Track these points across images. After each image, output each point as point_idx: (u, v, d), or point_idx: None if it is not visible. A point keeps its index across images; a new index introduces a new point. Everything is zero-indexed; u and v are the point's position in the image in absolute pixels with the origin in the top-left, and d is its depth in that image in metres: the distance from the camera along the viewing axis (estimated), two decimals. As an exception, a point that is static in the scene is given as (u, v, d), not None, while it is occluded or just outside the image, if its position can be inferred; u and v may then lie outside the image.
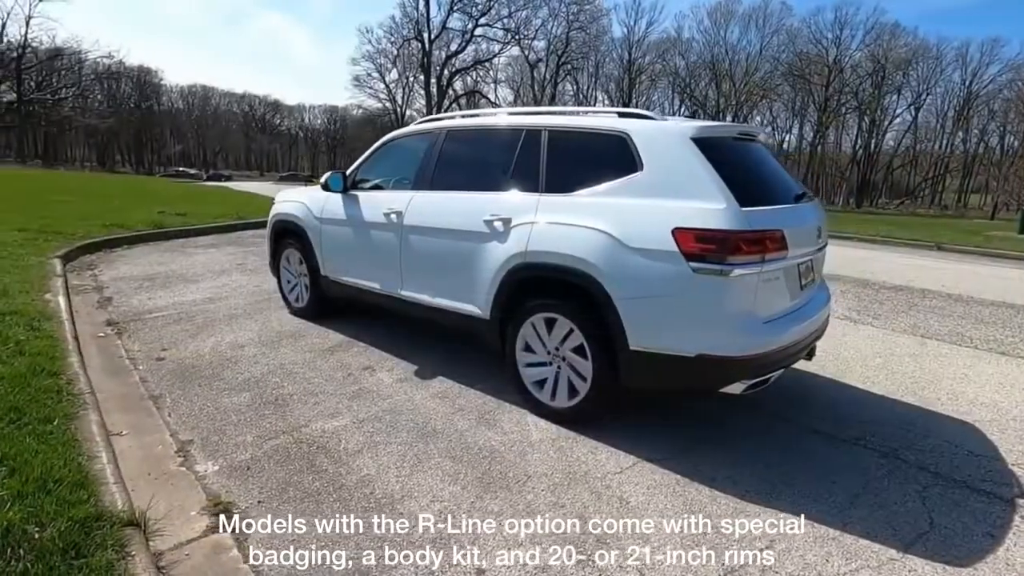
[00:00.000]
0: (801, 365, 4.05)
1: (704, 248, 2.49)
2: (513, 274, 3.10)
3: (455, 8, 40.34)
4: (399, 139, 4.13)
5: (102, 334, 4.42)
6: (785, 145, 50.70)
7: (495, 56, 43.74)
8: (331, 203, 4.33)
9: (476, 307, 3.35)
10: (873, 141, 46.43)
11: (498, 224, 3.17)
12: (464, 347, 4.11)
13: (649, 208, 2.67)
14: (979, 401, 3.64)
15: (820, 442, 3.01)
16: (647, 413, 3.25)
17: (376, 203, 3.96)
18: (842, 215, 26.85)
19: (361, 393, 3.45)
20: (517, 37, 42.58)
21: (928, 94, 45.67)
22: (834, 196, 50.43)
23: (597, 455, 2.80)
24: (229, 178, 48.07)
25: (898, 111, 46.56)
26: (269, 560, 2.04)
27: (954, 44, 45.68)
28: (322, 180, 4.20)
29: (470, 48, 42.51)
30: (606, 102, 48.32)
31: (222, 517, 2.26)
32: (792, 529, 2.27)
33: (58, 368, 3.24)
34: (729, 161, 2.80)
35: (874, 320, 5.52)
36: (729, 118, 42.94)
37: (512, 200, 3.17)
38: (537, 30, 43.09)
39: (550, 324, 3.04)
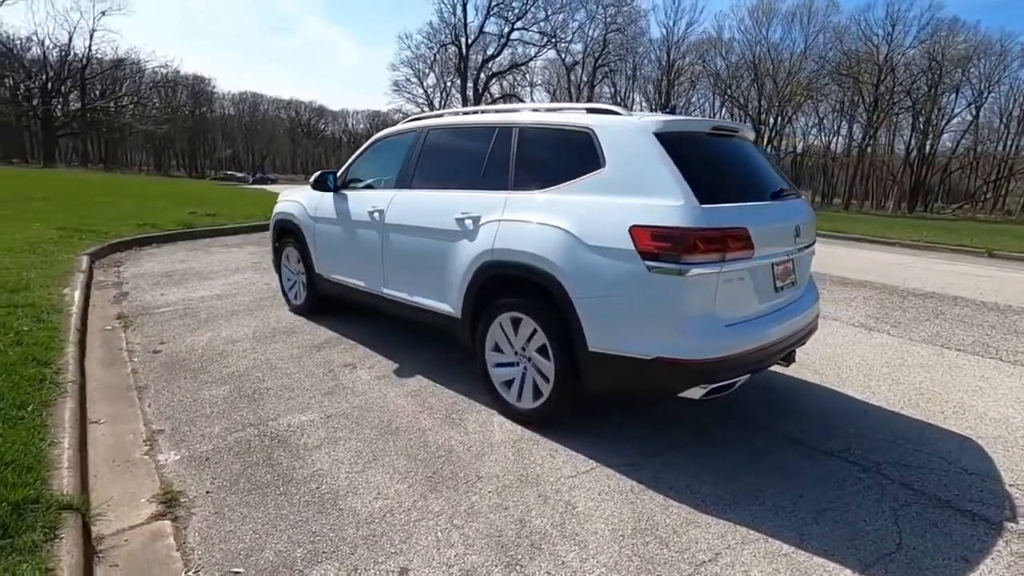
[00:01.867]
0: (797, 372, 3.92)
1: (660, 246, 2.39)
2: (481, 272, 3.07)
3: (492, 13, 40.62)
4: (387, 138, 4.16)
5: (109, 327, 4.62)
6: (832, 147, 48.84)
7: (531, 59, 43.84)
8: (324, 202, 4.40)
9: (449, 306, 3.33)
10: (928, 142, 44.13)
11: (468, 222, 3.15)
12: (450, 347, 4.09)
13: (608, 205, 2.59)
14: (989, 416, 3.38)
15: (798, 453, 2.85)
16: (621, 416, 3.15)
17: (362, 202, 4.00)
18: (890, 220, 25.62)
19: (336, 389, 3.48)
20: (553, 40, 42.52)
21: (991, 92, 43.12)
22: (884, 200, 48.20)
23: (555, 458, 2.73)
24: (275, 181, 49.73)
25: (956, 110, 44.14)
26: (201, 549, 2.07)
27: (1021, 39, 43.06)
28: (311, 179, 4.27)
29: (506, 52, 42.75)
30: (644, 104, 47.63)
31: (168, 506, 2.31)
32: (741, 543, 2.15)
33: (50, 358, 3.39)
34: (698, 157, 2.70)
35: (891, 328, 5.21)
36: (771, 119, 41.69)
37: (482, 198, 3.14)
38: (574, 33, 43.00)
39: (516, 324, 2.99)
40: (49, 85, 45.40)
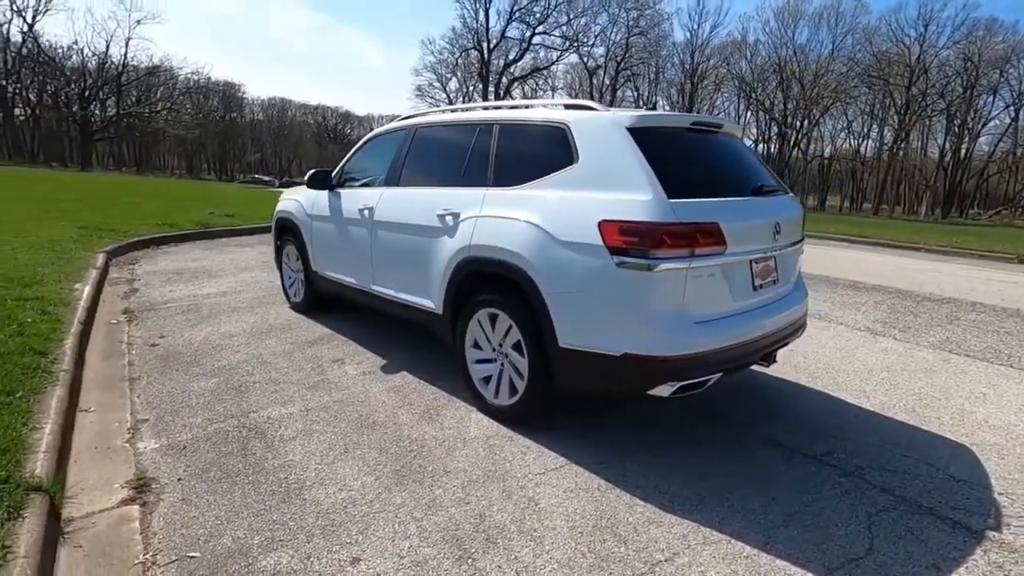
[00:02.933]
0: (790, 375, 3.83)
1: (627, 241, 2.37)
2: (460, 269, 3.08)
3: (514, 18, 40.78)
4: (379, 136, 4.21)
5: (115, 321, 4.75)
6: (862, 150, 47.66)
7: (553, 64, 43.85)
8: (319, 200, 4.46)
9: (431, 302, 3.35)
10: (964, 146, 42.73)
11: (449, 219, 3.16)
12: (440, 346, 4.08)
13: (579, 200, 2.58)
14: (989, 423, 3.25)
15: (778, 455, 2.78)
16: (601, 415, 3.12)
17: (354, 200, 4.05)
18: (920, 225, 24.87)
19: (321, 384, 3.52)
20: (576, 44, 42.47)
21: (1031, 94, 41.47)
22: (917, 205, 46.83)
23: (526, 455, 2.72)
24: (301, 184, 50.57)
25: (994, 113, 42.63)
26: (163, 533, 2.11)
27: (1062, 39, 41.23)
28: (306, 177, 4.33)
29: (528, 56, 42.81)
30: (667, 108, 47.23)
31: (139, 492, 2.36)
32: (703, 544, 2.11)
33: (48, 348, 3.50)
34: (673, 152, 2.67)
35: (899, 333, 5.05)
36: (798, 123, 40.89)
37: (463, 194, 3.15)
38: (596, 37, 42.90)
39: (493, 320, 2.98)
40: (87, 91, 47.09)
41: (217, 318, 4.87)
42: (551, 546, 2.08)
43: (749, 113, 45.71)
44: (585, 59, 44.32)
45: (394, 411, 3.16)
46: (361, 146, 4.34)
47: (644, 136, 2.56)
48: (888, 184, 45.07)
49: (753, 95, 42.79)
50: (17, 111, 48.41)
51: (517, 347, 2.86)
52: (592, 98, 44.42)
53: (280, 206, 5.13)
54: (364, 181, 4.17)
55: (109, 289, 5.85)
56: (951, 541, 2.18)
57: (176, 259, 7.64)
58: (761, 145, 46.41)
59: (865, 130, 46.45)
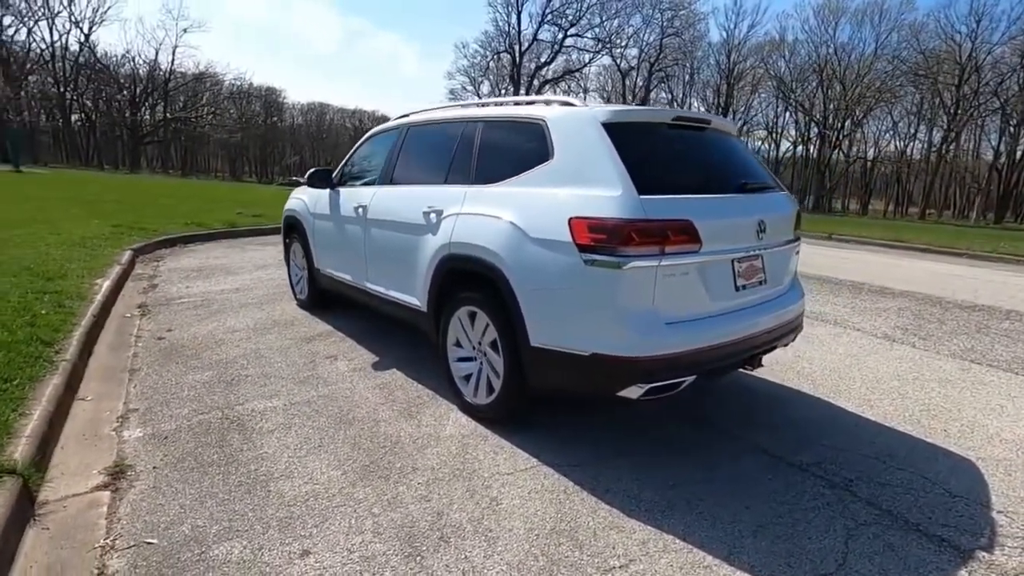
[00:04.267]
0: (791, 381, 3.68)
1: (596, 238, 2.31)
2: (442, 266, 3.07)
3: (546, 20, 40.75)
4: (376, 135, 4.25)
5: (129, 314, 4.93)
6: (908, 152, 45.73)
7: (585, 66, 43.59)
8: (321, 199, 4.53)
9: (417, 299, 3.35)
10: (1020, 147, 40.50)
11: (433, 216, 3.16)
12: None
13: (552, 197, 2.53)
14: (1001, 437, 3.05)
15: (762, 463, 2.67)
16: (582, 417, 3.06)
17: (350, 198, 4.09)
18: (968, 230, 23.67)
19: (310, 379, 3.56)
20: (608, 46, 42.11)
21: (1096, 91, 39.00)
22: (967, 209, 44.63)
23: (498, 455, 2.68)
24: (335, 186, 51.63)
25: (1054, 111, 40.19)
26: (127, 519, 2.16)
27: None
28: (306, 176, 4.40)
29: (560, 58, 42.70)
30: (702, 109, 46.36)
31: (114, 478, 2.42)
32: (662, 551, 2.03)
33: (55, 339, 3.65)
34: (652, 147, 2.60)
35: (919, 341, 4.80)
36: (839, 123, 39.51)
37: (447, 192, 3.14)
38: (629, 38, 42.45)
39: (472, 318, 2.96)
40: (137, 97, 49.24)
41: (225, 313, 5.00)
42: (504, 547, 2.04)
43: (788, 114, 44.50)
44: (618, 61, 43.97)
45: (375, 408, 3.17)
46: (360, 145, 4.39)
47: (620, 131, 2.49)
48: (936, 187, 43.12)
49: (792, 96, 41.57)
50: (74, 117, 51.06)
51: (494, 345, 2.83)
52: (625, 100, 43.99)
53: (288, 204, 5.24)
54: (361, 179, 4.21)
55: (131, 284, 6.08)
56: (934, 560, 2.04)
57: (199, 257, 7.88)
58: (800, 147, 45.12)
59: (912, 131, 44.59)
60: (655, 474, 2.55)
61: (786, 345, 3.15)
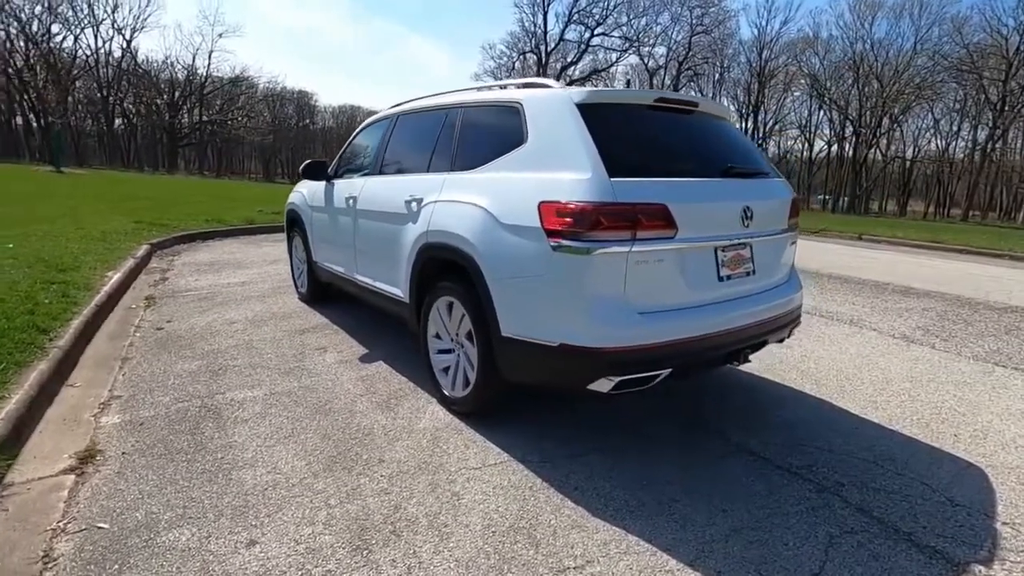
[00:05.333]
0: (793, 380, 3.50)
1: (563, 223, 2.20)
2: (421, 255, 3.00)
3: (573, 20, 40.49)
4: (369, 126, 4.21)
5: (134, 306, 5.01)
6: (951, 151, 43.88)
7: (612, 65, 43.13)
8: (317, 192, 4.52)
9: (400, 290, 3.29)
10: (1073, 145, 38.46)
11: (413, 205, 3.10)
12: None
13: (524, 181, 2.44)
14: (1016, 443, 2.82)
15: (747, 465, 2.52)
16: (563, 411, 2.95)
17: (343, 190, 4.06)
18: (1014, 232, 22.55)
19: (296, 370, 3.54)
20: (636, 45, 41.61)
21: None
22: (1015, 211, 42.59)
23: (468, 449, 2.59)
24: (363, 187, 52.36)
25: (1110, 108, 38.01)
26: (84, 503, 2.14)
27: None
28: (300, 168, 4.39)
29: (587, 58, 42.37)
30: (732, 108, 45.40)
31: (82, 462, 2.42)
32: (623, 553, 1.92)
33: (52, 327, 3.71)
34: (630, 130, 2.48)
35: (940, 342, 4.52)
36: (875, 122, 38.13)
37: (427, 180, 3.08)
38: (657, 37, 41.85)
39: (450, 308, 2.89)
40: (175, 101, 50.87)
41: (227, 306, 5.03)
42: (456, 544, 1.95)
43: (821, 112, 43.19)
44: (645, 60, 43.39)
45: (354, 399, 3.12)
46: (354, 136, 4.37)
47: (595, 113, 2.38)
48: (981, 188, 41.27)
49: (826, 94, 40.34)
50: (117, 121, 53.03)
51: (470, 336, 2.75)
52: (653, 99, 43.24)
53: (289, 198, 5.26)
54: (353, 170, 4.18)
55: (143, 277, 6.20)
56: (921, 572, 1.88)
57: (214, 252, 8.02)
58: (834, 146, 43.78)
59: (954, 129, 42.77)
60: (631, 472, 2.43)
61: (781, 341, 2.99)
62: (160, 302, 5.13)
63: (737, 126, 3.11)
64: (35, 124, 45.15)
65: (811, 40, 40.14)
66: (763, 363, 3.79)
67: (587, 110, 2.38)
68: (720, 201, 2.46)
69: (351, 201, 3.84)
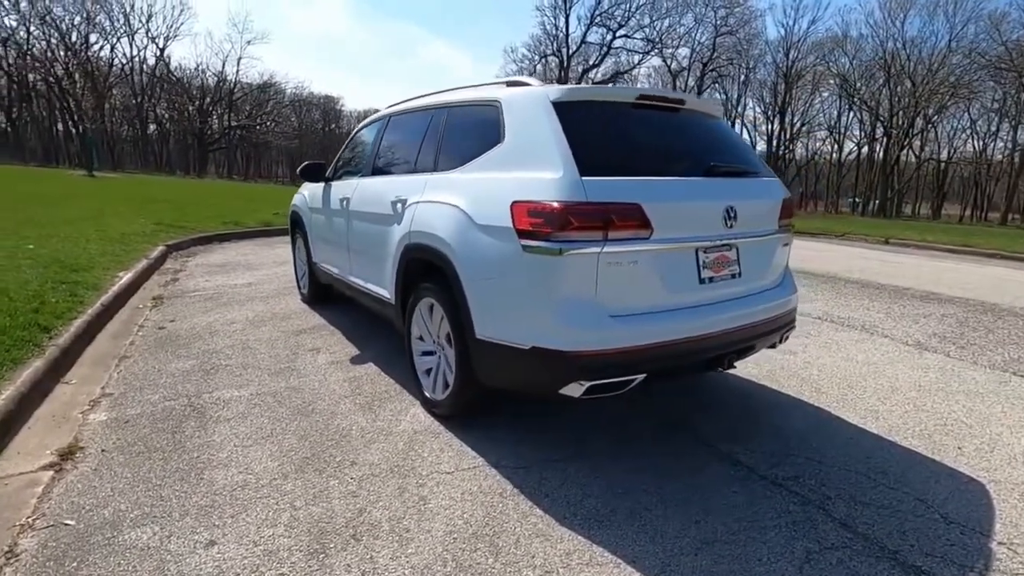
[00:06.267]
0: (793, 388, 3.38)
1: (533, 223, 2.15)
2: (404, 256, 2.98)
3: (595, 22, 40.30)
4: (365, 126, 4.22)
5: (141, 305, 5.11)
6: (989, 152, 42.30)
7: (634, 67, 42.77)
8: (316, 193, 4.55)
9: (387, 291, 3.28)
10: (1121, 145, 36.63)
11: (399, 206, 3.08)
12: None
13: (499, 181, 2.40)
14: (1026, 458, 2.66)
15: (729, 474, 2.42)
16: (547, 416, 2.89)
17: (338, 191, 4.08)
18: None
19: (286, 370, 3.55)
20: (659, 46, 41.22)
21: None
22: (1057, 214, 40.81)
23: (443, 453, 2.55)
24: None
25: None
26: (56, 499, 2.16)
27: None
28: (298, 170, 4.42)
29: (609, 60, 42.08)
30: (758, 110, 44.65)
31: (62, 459, 2.46)
32: (585, 564, 1.85)
33: (53, 325, 3.80)
34: (609, 128, 2.41)
35: (956, 349, 4.32)
36: (906, 122, 36.99)
37: (413, 181, 3.06)
38: (680, 38, 41.38)
39: (431, 309, 2.85)
40: (205, 107, 52.26)
41: (231, 306, 5.10)
42: (415, 550, 1.91)
43: (851, 113, 42.12)
44: (668, 61, 42.95)
45: (338, 400, 3.11)
46: (351, 137, 4.38)
47: (571, 111, 2.33)
48: (1021, 190, 39.67)
49: (855, 94, 39.32)
50: (151, 127, 54.72)
51: (449, 339, 2.71)
52: (676, 101, 42.73)
53: (293, 200, 5.30)
54: (349, 171, 4.19)
55: (156, 278, 6.33)
56: (903, 594, 1.77)
57: (228, 253, 8.16)
58: (864, 148, 42.64)
59: (992, 129, 41.20)
60: (607, 480, 2.35)
61: (773, 346, 2.88)
62: (167, 302, 5.22)
63: (731, 125, 3.01)
64: (73, 130, 46.81)
65: (840, 39, 39.21)
66: (762, 369, 3.67)
67: (563, 108, 2.33)
68: (700, 201, 2.38)
69: (345, 202, 3.85)
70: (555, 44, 41.28)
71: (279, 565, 1.83)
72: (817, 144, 46.52)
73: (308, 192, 4.81)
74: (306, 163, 4.38)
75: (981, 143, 42.10)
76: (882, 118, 38.93)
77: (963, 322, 5.21)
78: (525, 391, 2.50)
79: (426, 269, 2.87)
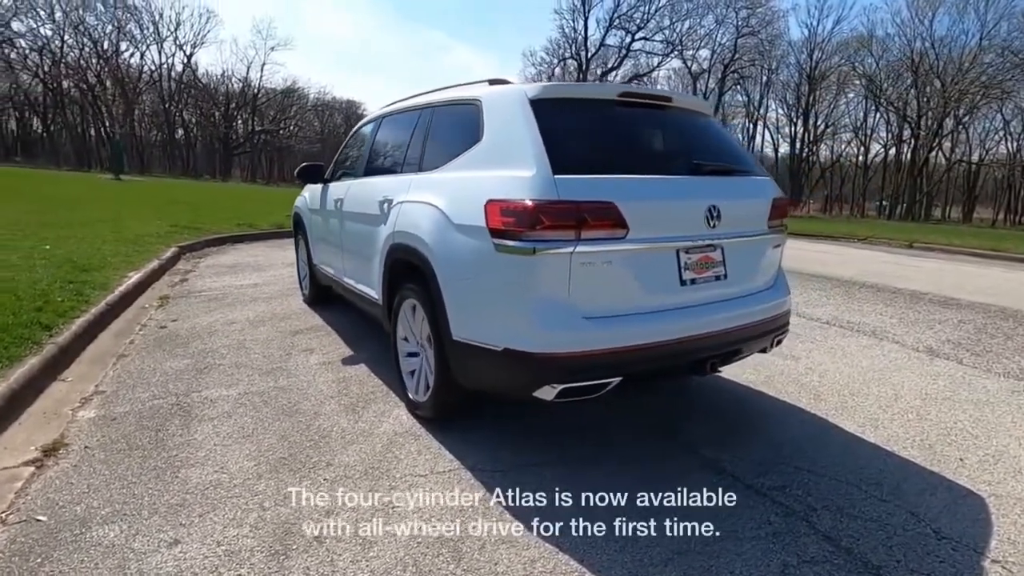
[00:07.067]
0: (790, 395, 3.28)
1: (505, 222, 2.11)
2: (389, 256, 2.97)
3: (613, 25, 40.14)
4: (361, 127, 4.23)
5: (147, 305, 5.19)
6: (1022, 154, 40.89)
7: (654, 70, 42.42)
8: (315, 195, 4.58)
9: (375, 291, 3.27)
10: None
11: (385, 206, 3.07)
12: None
13: (476, 180, 2.36)
14: (1033, 471, 2.53)
15: (712, 483, 2.32)
16: (534, 417, 2.85)
17: (334, 193, 4.09)
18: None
19: (276, 370, 3.56)
20: (679, 48, 40.87)
21: None
22: (1096, 218, 39.27)
23: (420, 455, 2.52)
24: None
25: None
26: (33, 494, 2.19)
27: None
28: (295, 172, 4.44)
29: (628, 63, 41.83)
30: (781, 112, 43.89)
31: (46, 455, 2.48)
32: (548, 574, 1.80)
33: (55, 323, 3.87)
34: (589, 126, 2.37)
35: (969, 356, 4.15)
36: (935, 124, 35.97)
37: (399, 181, 3.05)
38: (701, 40, 40.94)
39: (414, 310, 2.83)
40: (230, 112, 53.40)
41: (234, 306, 5.15)
42: (376, 554, 1.88)
43: (877, 114, 41.14)
44: (689, 63, 42.52)
45: (324, 401, 3.10)
46: (348, 138, 4.40)
47: (549, 108, 2.28)
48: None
49: (882, 95, 38.42)
50: (179, 132, 56.13)
51: (430, 340, 2.68)
52: (697, 104, 42.23)
53: (296, 201, 5.34)
54: (344, 172, 4.20)
55: (166, 278, 6.44)
56: (882, 612, 1.67)
57: (239, 255, 8.28)
58: (892, 149, 41.62)
59: (1028, 130, 39.81)
60: (584, 486, 2.28)
61: (764, 351, 2.79)
62: (172, 302, 5.30)
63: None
64: (105, 136, 48.22)
65: (866, 39, 38.33)
66: (760, 375, 3.56)
67: (541, 105, 2.29)
68: (680, 200, 2.31)
69: (339, 203, 3.86)
70: (573, 47, 41.24)
71: (239, 566, 1.81)
72: (842, 146, 45.55)
73: (309, 194, 4.85)
74: (303, 164, 4.41)
75: (1015, 144, 40.76)
76: (910, 119, 37.96)
77: (981, 328, 5.01)
78: (500, 393, 2.45)
79: (410, 269, 2.84)
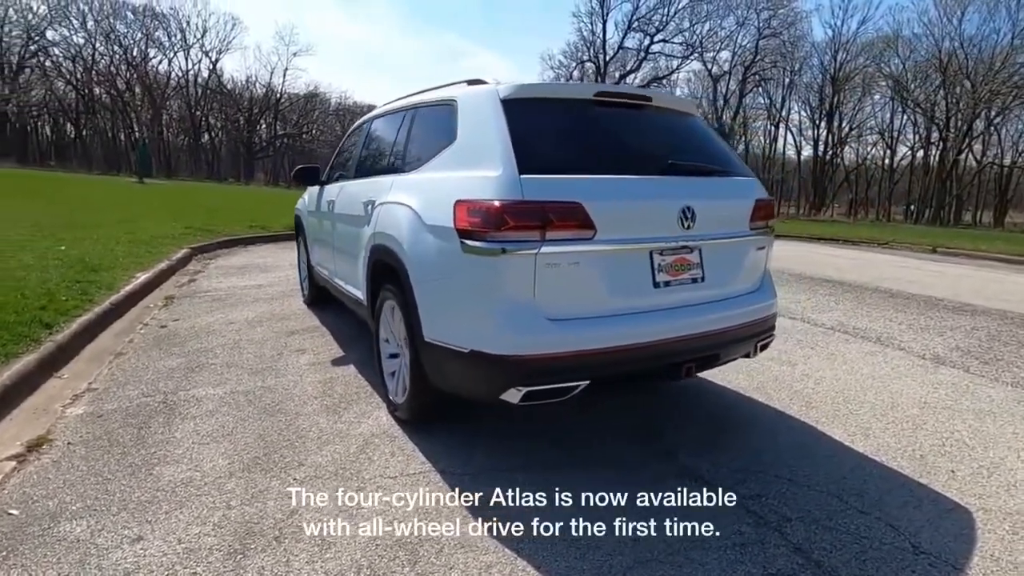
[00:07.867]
0: (781, 403, 3.19)
1: (472, 222, 2.10)
2: (371, 257, 2.97)
3: (632, 28, 39.95)
4: (355, 129, 4.25)
5: (152, 304, 5.29)
6: (1058, 157, 39.49)
7: (673, 72, 42.10)
8: (312, 196, 4.62)
9: (361, 292, 3.28)
10: None
11: (368, 207, 3.08)
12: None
13: (447, 180, 2.35)
14: (1029, 485, 2.42)
15: (688, 490, 2.27)
16: (514, 421, 2.82)
17: (327, 194, 4.13)
18: None
19: (265, 370, 3.59)
20: (699, 51, 40.49)
21: None
22: None
23: (393, 457, 2.51)
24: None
25: None
26: (10, 488, 2.23)
27: None
28: (292, 173, 4.48)
29: (647, 65, 41.62)
30: (804, 114, 43.14)
31: (29, 450, 2.54)
32: (502, 579, 1.77)
33: (56, 322, 3.96)
34: (559, 125, 2.34)
35: (977, 365, 4.00)
36: (966, 126, 34.96)
37: (381, 182, 3.06)
38: (722, 42, 40.50)
39: (393, 311, 2.83)
40: (252, 116, 54.45)
41: (235, 307, 5.22)
42: (333, 555, 1.87)
43: (904, 116, 40.17)
44: (709, 65, 42.08)
45: (306, 401, 3.11)
46: (343, 141, 4.43)
47: (520, 108, 2.27)
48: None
49: (909, 97, 37.50)
50: (204, 136, 57.45)
51: (407, 341, 2.67)
52: (715, 107, 41.88)
53: (297, 203, 5.40)
54: (338, 174, 4.23)
55: (174, 279, 6.57)
56: (844, 629, 1.61)
57: (249, 256, 8.40)
58: (919, 152, 40.58)
59: (1062, 132, 38.47)
60: (553, 490, 2.24)
61: (749, 356, 2.72)
62: (177, 302, 5.39)
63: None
64: (133, 140, 49.54)
65: (892, 40, 37.47)
66: (753, 380, 3.48)
67: (512, 105, 2.27)
68: (652, 200, 2.26)
69: (331, 205, 3.89)
70: (592, 50, 41.13)
71: (195, 564, 1.82)
72: (868, 149, 44.58)
73: (308, 195, 4.90)
74: (300, 166, 4.45)
75: (1050, 147, 39.38)
76: (938, 121, 36.97)
77: (994, 336, 4.83)
78: (468, 396, 2.42)
79: (389, 271, 2.84)
